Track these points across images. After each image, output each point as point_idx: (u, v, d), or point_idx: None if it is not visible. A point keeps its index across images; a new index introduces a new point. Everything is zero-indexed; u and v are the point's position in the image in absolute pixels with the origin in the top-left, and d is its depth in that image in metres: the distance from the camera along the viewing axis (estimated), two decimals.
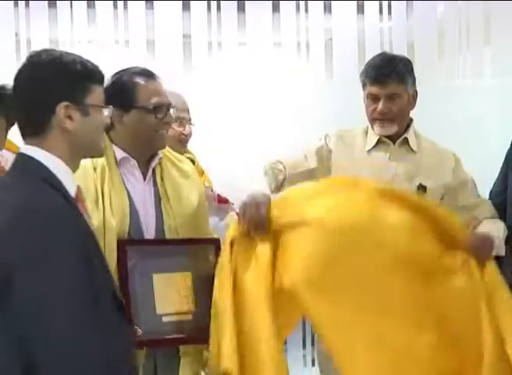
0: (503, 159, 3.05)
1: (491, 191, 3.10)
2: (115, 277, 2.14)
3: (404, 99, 2.78)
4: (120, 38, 4.07)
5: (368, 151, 2.83)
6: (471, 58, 4.26)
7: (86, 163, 2.20)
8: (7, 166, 2.70)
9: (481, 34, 4.21)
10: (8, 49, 3.93)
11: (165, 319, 2.26)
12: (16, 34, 3.99)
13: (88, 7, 3.99)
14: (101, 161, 2.29)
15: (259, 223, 2.21)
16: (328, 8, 4.12)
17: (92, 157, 1.98)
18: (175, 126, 2.95)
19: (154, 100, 2.31)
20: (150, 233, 2.33)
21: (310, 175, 2.81)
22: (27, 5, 3.97)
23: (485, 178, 3.17)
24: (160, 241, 2.35)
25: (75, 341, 1.63)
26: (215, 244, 2.38)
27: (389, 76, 2.72)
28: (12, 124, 2.65)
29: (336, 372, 2.22)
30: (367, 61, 2.88)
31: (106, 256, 2.16)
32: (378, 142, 2.82)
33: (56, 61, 1.80)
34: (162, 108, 2.33)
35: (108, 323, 1.71)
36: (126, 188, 2.33)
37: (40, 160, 1.75)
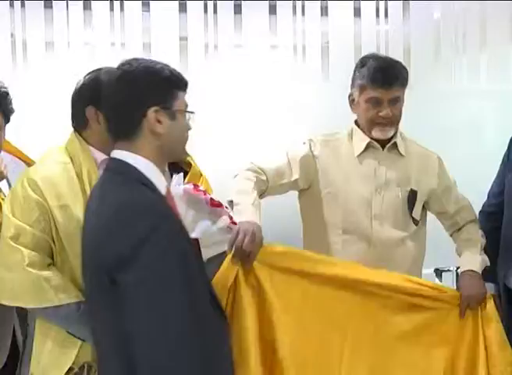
0: (499, 163, 3.06)
1: (489, 193, 3.10)
2: None
3: (402, 103, 2.77)
4: (116, 40, 4.05)
5: (358, 156, 2.81)
6: (467, 63, 4.26)
7: (69, 172, 2.29)
8: (6, 170, 2.68)
9: (477, 39, 4.21)
10: (4, 50, 3.91)
11: None
12: (12, 35, 3.96)
13: (84, 9, 3.97)
14: (83, 166, 2.31)
15: (253, 253, 2.28)
16: (324, 11, 4.12)
17: (175, 159, 2.17)
18: None
19: None
20: None
21: (292, 186, 2.81)
22: (23, 5, 3.95)
23: (481, 181, 3.18)
24: None
25: (177, 341, 1.72)
26: None
27: (396, 80, 2.71)
28: (8, 121, 2.64)
29: None
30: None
31: None
32: (368, 147, 2.80)
33: (148, 68, 1.95)
34: None
35: (208, 322, 1.82)
36: None
37: (132, 163, 1.88)
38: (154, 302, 1.73)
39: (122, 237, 1.77)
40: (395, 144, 2.82)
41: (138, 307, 1.74)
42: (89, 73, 2.42)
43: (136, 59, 1.99)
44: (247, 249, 2.27)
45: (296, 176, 2.78)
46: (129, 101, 1.91)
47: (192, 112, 2.04)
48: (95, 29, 4.00)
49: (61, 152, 2.38)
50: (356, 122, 2.89)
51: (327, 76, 4.13)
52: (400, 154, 2.83)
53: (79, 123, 2.40)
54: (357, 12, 4.12)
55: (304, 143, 2.83)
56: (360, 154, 2.81)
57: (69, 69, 3.96)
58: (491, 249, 2.89)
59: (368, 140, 2.79)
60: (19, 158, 2.84)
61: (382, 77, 2.69)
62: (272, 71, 3.74)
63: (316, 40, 4.13)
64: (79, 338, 2.26)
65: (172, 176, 2.99)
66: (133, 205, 1.81)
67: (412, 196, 2.79)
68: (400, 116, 2.79)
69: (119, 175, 1.90)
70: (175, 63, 4.00)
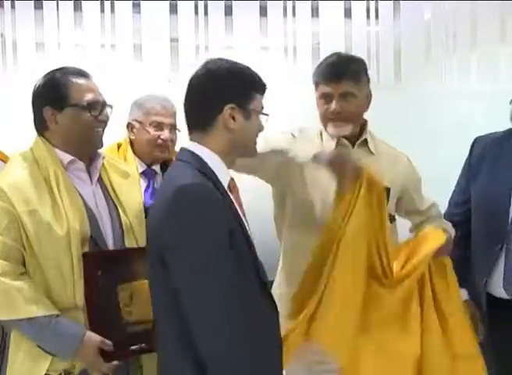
0: None
1: (450, 201, 3.09)
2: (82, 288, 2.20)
3: (359, 99, 2.68)
4: (107, 41, 4.05)
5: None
6: (457, 63, 4.27)
7: (36, 175, 2.25)
8: None
9: (467, 39, 4.22)
10: None
11: (129, 329, 2.25)
12: (2, 35, 3.97)
13: (75, 10, 3.97)
14: (50, 168, 2.27)
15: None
16: (315, 13, 4.13)
17: (245, 156, 2.17)
18: (151, 129, 2.95)
19: (88, 97, 2.31)
20: (108, 234, 2.33)
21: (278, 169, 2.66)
22: (13, 6, 3.95)
23: None
24: (122, 250, 2.34)
25: (223, 320, 1.84)
26: None
27: (344, 75, 2.63)
28: None
29: None
30: None
31: (75, 265, 2.20)
32: (337, 145, 2.72)
33: (231, 68, 2.07)
34: (96, 105, 2.32)
35: (256, 307, 1.94)
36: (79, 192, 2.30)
37: (199, 154, 2.00)
38: (198, 283, 1.86)
39: (174, 219, 1.89)
40: (365, 141, 2.75)
41: (183, 286, 1.87)
42: (45, 74, 2.40)
43: (220, 59, 2.12)
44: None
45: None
46: (209, 95, 2.04)
47: (267, 115, 2.14)
48: (85, 30, 3.99)
49: (26, 156, 2.33)
50: None
51: None
52: (371, 152, 2.76)
53: (39, 124, 2.35)
54: (348, 13, 4.13)
55: (284, 132, 2.74)
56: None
57: None
58: (460, 256, 2.86)
59: (333, 137, 2.73)
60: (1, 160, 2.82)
61: (331, 72, 2.65)
62: (262, 72, 3.72)
63: (307, 41, 4.14)
64: (48, 353, 2.19)
65: (163, 177, 2.99)
66: (187, 190, 1.90)
67: (386, 193, 2.65)
68: (356, 112, 2.70)
69: (184, 163, 2.01)
70: (165, 65, 4.05)
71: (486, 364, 2.58)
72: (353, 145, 2.74)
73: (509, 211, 2.85)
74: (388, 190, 2.68)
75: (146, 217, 2.74)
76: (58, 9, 3.97)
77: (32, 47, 3.98)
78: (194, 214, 1.88)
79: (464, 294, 2.84)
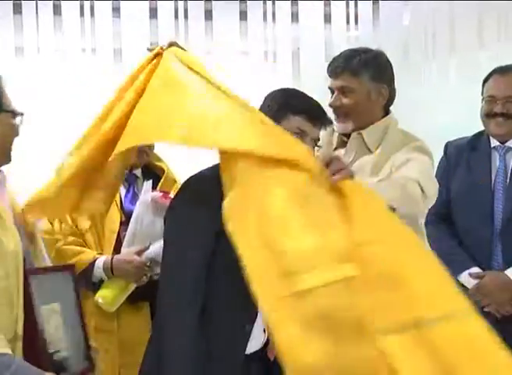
0: None
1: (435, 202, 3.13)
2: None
3: (360, 94, 2.58)
4: (87, 46, 4.04)
5: (334, 149, 2.66)
6: (436, 67, 4.30)
7: None
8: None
9: (446, 44, 4.24)
10: None
11: (55, 357, 2.05)
12: None
13: (54, 14, 3.96)
14: None
15: None
16: (295, 18, 4.14)
17: None
18: None
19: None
20: None
21: None
22: None
23: None
24: (50, 268, 2.26)
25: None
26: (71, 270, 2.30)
27: (340, 69, 2.57)
28: None
29: None
30: None
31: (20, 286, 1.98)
32: (341, 140, 2.65)
33: None
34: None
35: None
36: None
37: None
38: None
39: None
40: (360, 136, 2.59)
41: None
42: None
43: None
44: None
45: None
46: None
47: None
48: (65, 34, 3.98)
49: None
50: None
51: (298, 81, 4.15)
52: (367, 148, 2.60)
53: None
54: (328, 18, 4.15)
55: None
56: (336, 147, 2.66)
57: (39, 75, 3.95)
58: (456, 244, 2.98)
59: (337, 133, 2.68)
60: None
61: (330, 66, 2.62)
62: (242, 77, 3.75)
63: (287, 45, 4.16)
64: None
65: (143, 182, 2.99)
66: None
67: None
68: (356, 107, 2.58)
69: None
70: None
71: None
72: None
73: (493, 205, 2.93)
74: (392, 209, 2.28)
75: (127, 222, 2.79)
76: (37, 13, 3.95)
77: (11, 51, 3.96)
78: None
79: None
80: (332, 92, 2.61)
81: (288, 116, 2.17)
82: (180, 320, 1.99)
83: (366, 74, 2.59)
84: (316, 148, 2.25)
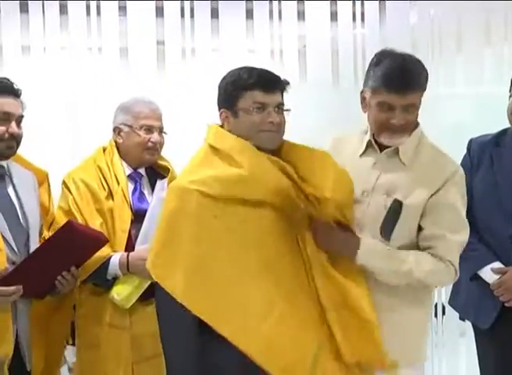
0: None
1: None
2: None
3: (418, 109, 2.49)
4: (93, 45, 4.03)
5: (360, 155, 2.56)
6: (443, 67, 4.29)
7: None
8: None
9: (453, 43, 4.23)
10: None
11: None
12: None
13: (61, 13, 3.96)
14: None
15: None
16: (301, 16, 4.13)
17: (262, 146, 2.32)
18: (142, 132, 2.94)
19: None
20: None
21: None
22: None
23: None
24: None
25: None
26: None
27: (411, 86, 2.41)
28: None
29: None
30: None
31: None
32: (368, 147, 2.55)
33: (225, 76, 2.40)
34: None
35: None
36: None
37: None
38: None
39: None
40: (397, 150, 2.50)
41: None
42: None
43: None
44: None
45: None
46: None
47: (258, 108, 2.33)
48: (71, 33, 3.98)
49: None
50: None
51: (304, 79, 4.14)
52: (402, 162, 2.50)
53: None
54: (334, 16, 4.13)
55: None
56: (363, 154, 2.56)
57: (46, 74, 3.95)
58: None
59: (368, 139, 2.55)
60: None
61: (397, 82, 2.38)
62: None
63: (293, 44, 4.15)
64: None
65: (150, 181, 2.99)
66: None
67: (394, 207, 2.44)
68: (415, 121, 2.52)
69: None
70: (152, 67, 4.05)
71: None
72: (381, 150, 2.53)
73: None
74: (399, 203, 2.44)
75: (137, 220, 2.84)
76: (43, 12, 3.95)
77: (18, 50, 3.97)
78: None
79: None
80: (387, 106, 2.42)
81: (242, 93, 2.31)
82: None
83: (424, 88, 2.49)
84: (285, 112, 2.36)
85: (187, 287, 2.21)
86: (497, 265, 2.94)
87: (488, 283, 2.95)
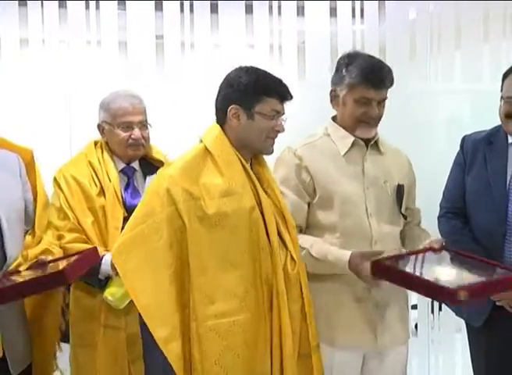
0: None
1: (448, 196, 3.14)
2: None
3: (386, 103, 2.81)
4: (92, 38, 4.02)
5: (344, 155, 2.79)
6: (442, 63, 4.29)
7: None
8: None
9: (451, 39, 4.23)
10: None
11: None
12: None
13: (60, 6, 3.94)
14: None
15: None
16: (301, 11, 4.12)
17: (258, 153, 2.51)
18: (120, 131, 2.90)
19: None
20: None
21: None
22: None
23: None
24: None
25: None
26: None
27: (387, 82, 2.74)
28: None
29: None
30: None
31: None
32: (352, 145, 2.80)
33: (246, 72, 2.47)
34: None
35: None
36: None
37: None
38: None
39: None
40: (376, 141, 2.84)
41: None
42: None
43: (253, 66, 2.51)
44: None
45: (307, 199, 2.78)
46: (220, 94, 2.53)
47: (275, 115, 2.48)
48: (70, 27, 3.97)
49: None
50: (334, 119, 2.88)
51: (303, 75, 4.15)
52: (380, 151, 2.86)
53: None
54: (333, 12, 4.13)
55: (289, 150, 2.80)
56: (346, 152, 2.80)
57: (44, 67, 3.95)
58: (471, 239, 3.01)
59: (352, 138, 2.79)
60: None
61: (375, 78, 2.70)
62: None
63: (292, 39, 4.14)
64: None
65: (144, 175, 2.97)
66: None
67: (400, 190, 2.82)
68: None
69: None
70: (151, 62, 4.05)
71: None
72: (366, 145, 2.82)
73: (507, 202, 2.91)
74: (402, 186, 2.83)
75: (130, 217, 2.78)
76: (42, 6, 3.94)
77: (16, 43, 3.96)
78: None
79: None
80: (365, 101, 2.72)
81: (263, 98, 2.41)
82: None
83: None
84: (283, 121, 2.49)
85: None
86: None
87: None
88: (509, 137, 3.01)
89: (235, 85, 2.43)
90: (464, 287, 2.19)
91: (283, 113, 2.48)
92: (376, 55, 3.90)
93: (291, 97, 2.47)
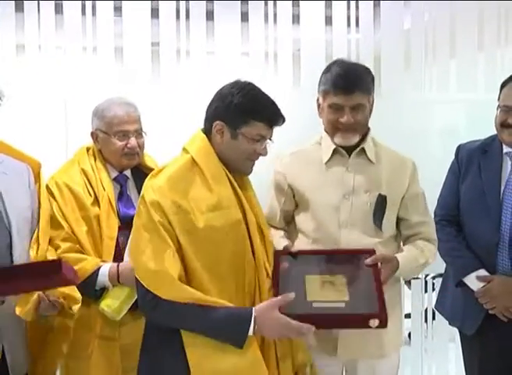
0: None
1: (442, 204, 3.16)
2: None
3: (367, 109, 2.74)
4: (88, 45, 4.03)
5: (326, 163, 2.79)
6: (436, 72, 4.31)
7: None
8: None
9: (446, 48, 4.25)
10: None
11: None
12: None
13: (56, 12, 3.95)
14: None
15: None
16: (296, 19, 4.13)
17: (237, 171, 2.43)
18: (116, 140, 2.86)
19: None
20: None
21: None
22: None
23: None
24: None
25: None
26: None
27: (356, 87, 2.65)
28: None
29: None
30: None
31: None
32: (334, 153, 2.78)
33: (240, 92, 2.38)
34: None
35: None
36: None
37: None
38: None
39: None
40: (363, 149, 2.78)
41: None
42: None
43: (249, 83, 2.44)
44: None
45: (289, 207, 2.85)
46: (210, 107, 2.48)
47: (260, 141, 2.42)
48: (67, 33, 3.98)
49: None
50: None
51: (298, 83, 4.16)
52: (369, 160, 2.79)
53: None
54: (329, 21, 4.14)
55: (278, 157, 2.85)
56: (328, 160, 2.79)
57: (40, 73, 3.95)
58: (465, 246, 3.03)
59: (334, 146, 2.78)
60: None
61: (343, 83, 2.64)
62: (243, 78, 3.75)
63: (287, 47, 4.16)
64: None
65: (137, 183, 2.94)
66: None
67: (381, 201, 2.74)
68: (365, 122, 2.76)
69: None
70: (147, 69, 4.06)
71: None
72: (350, 153, 2.78)
73: (501, 211, 2.94)
74: (383, 197, 2.75)
75: (124, 227, 2.77)
76: (39, 11, 3.95)
77: (13, 49, 3.96)
78: None
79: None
80: (336, 108, 2.69)
81: (250, 121, 2.35)
82: None
83: (372, 90, 2.76)
84: (268, 143, 2.43)
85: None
86: (482, 272, 2.96)
87: (472, 290, 2.97)
88: (503, 146, 3.02)
89: (226, 102, 2.37)
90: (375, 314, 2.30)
91: (270, 137, 2.43)
92: (371, 63, 3.95)
93: (283, 121, 2.43)
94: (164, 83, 4.05)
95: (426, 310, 4.28)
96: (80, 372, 2.80)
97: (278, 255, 2.55)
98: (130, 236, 2.42)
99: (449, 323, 3.25)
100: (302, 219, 2.80)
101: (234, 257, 2.35)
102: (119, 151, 2.87)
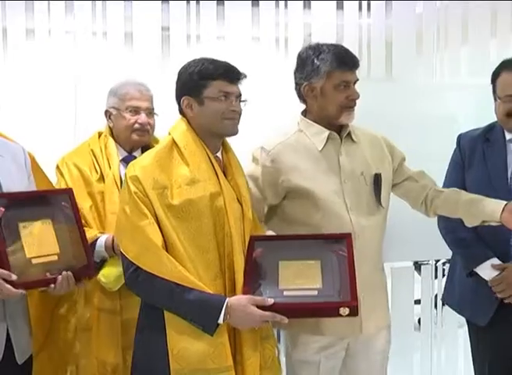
0: None
1: None
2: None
3: None
4: (98, 30, 4.02)
5: (321, 150, 2.76)
6: (448, 57, 4.28)
7: None
8: None
9: (458, 33, 4.22)
10: None
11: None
12: None
13: None
14: None
15: None
16: (307, 4, 4.12)
17: (222, 136, 2.54)
18: (127, 114, 2.97)
19: None
20: None
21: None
22: None
23: None
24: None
25: None
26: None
27: (357, 64, 2.75)
28: None
29: None
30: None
31: None
32: (328, 138, 2.77)
33: (188, 64, 2.53)
34: None
35: None
36: None
37: None
38: None
39: None
40: (348, 131, 2.81)
41: None
42: None
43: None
44: None
45: (274, 201, 2.81)
46: (176, 91, 2.58)
47: (223, 97, 2.47)
48: (76, 17, 3.97)
49: None
50: (304, 114, 2.85)
51: None
52: (353, 141, 2.82)
53: None
54: (340, 5, 4.12)
55: (262, 149, 2.79)
56: (324, 147, 2.76)
57: (50, 58, 3.95)
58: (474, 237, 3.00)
59: (327, 132, 2.76)
60: None
61: (349, 60, 2.72)
62: (253, 63, 3.73)
63: (298, 32, 4.14)
64: None
65: None
66: None
67: (377, 180, 2.79)
68: None
69: None
70: (156, 54, 4.04)
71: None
72: (340, 138, 2.79)
73: (509, 196, 2.89)
74: (379, 175, 2.79)
75: None
76: None
77: (22, 33, 3.96)
78: None
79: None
80: (345, 85, 2.71)
81: (209, 83, 2.45)
82: None
83: None
84: (242, 103, 2.51)
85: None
86: (496, 261, 2.94)
87: (485, 280, 2.95)
88: (506, 133, 3.00)
89: (182, 78, 2.51)
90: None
91: (238, 94, 2.50)
92: (383, 49, 3.93)
93: (243, 76, 2.51)
94: (174, 68, 4.01)
95: (436, 296, 4.27)
96: (81, 343, 2.84)
97: (253, 240, 2.55)
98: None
99: (458, 314, 3.23)
100: (300, 210, 2.75)
101: (215, 228, 2.43)
102: (130, 126, 2.98)
